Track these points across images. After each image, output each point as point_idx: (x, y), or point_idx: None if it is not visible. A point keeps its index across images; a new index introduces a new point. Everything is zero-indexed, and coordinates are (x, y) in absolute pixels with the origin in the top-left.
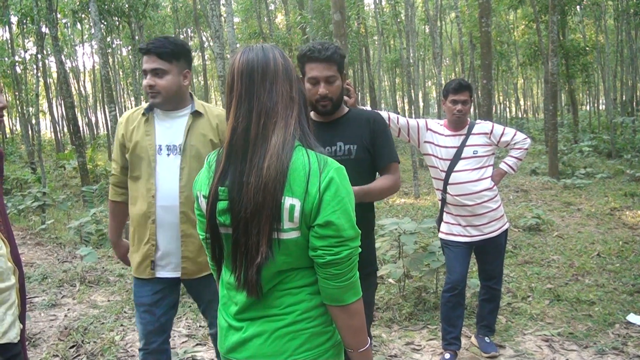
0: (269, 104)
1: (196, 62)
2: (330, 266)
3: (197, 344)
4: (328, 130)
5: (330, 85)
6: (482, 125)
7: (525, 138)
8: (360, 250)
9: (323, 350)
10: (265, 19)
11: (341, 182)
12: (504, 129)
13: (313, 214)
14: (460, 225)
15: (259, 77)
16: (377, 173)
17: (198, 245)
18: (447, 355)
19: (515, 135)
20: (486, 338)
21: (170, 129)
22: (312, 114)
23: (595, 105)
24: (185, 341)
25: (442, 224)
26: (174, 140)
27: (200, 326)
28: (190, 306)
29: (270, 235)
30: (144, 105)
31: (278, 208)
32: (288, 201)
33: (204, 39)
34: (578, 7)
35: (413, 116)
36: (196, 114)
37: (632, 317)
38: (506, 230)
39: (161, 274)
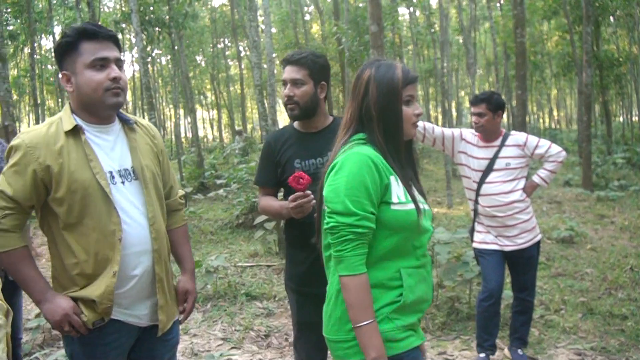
0: (346, 114)
1: (233, 71)
2: (326, 233)
3: (232, 347)
4: (316, 141)
5: (297, 89)
6: (516, 137)
7: (560, 151)
8: (357, 229)
9: (349, 337)
10: (302, 29)
11: (345, 164)
12: (539, 141)
13: None
14: (491, 234)
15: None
16: None
17: (170, 289)
18: (482, 355)
19: (550, 147)
20: (519, 350)
21: (113, 149)
22: (296, 123)
23: (629, 116)
24: (221, 344)
25: (475, 233)
26: (122, 162)
27: (235, 330)
28: (225, 310)
29: (319, 212)
30: (53, 119)
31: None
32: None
33: (240, 48)
34: (612, 18)
35: (447, 126)
36: (131, 127)
37: None
38: (538, 241)
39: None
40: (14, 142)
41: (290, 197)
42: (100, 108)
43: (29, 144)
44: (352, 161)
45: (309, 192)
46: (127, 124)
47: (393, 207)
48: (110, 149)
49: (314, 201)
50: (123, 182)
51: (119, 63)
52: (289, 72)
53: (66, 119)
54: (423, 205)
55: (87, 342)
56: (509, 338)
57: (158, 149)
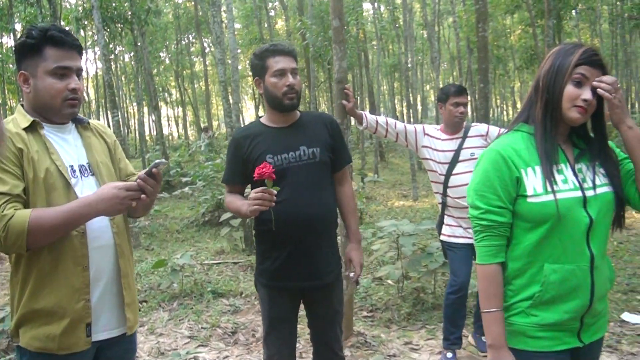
0: None
1: (197, 67)
2: None
3: (199, 345)
4: (288, 136)
5: (295, 78)
6: (477, 128)
7: None
8: (482, 222)
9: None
10: (266, 25)
11: (480, 160)
12: (500, 130)
13: None
14: (461, 227)
15: None
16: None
17: (134, 285)
18: (450, 355)
19: None
20: (483, 337)
21: (69, 146)
22: (265, 119)
23: None
24: (188, 342)
25: (444, 226)
26: (79, 159)
27: (202, 328)
28: (192, 308)
29: None
30: (7, 119)
31: None
32: None
33: (205, 45)
34: (574, 11)
35: (412, 120)
36: (84, 126)
37: (626, 316)
38: None
39: (100, 335)
40: None
41: (254, 190)
42: (55, 115)
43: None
44: (484, 157)
45: (274, 190)
46: (80, 124)
47: (529, 199)
48: (66, 146)
49: (273, 204)
50: (82, 178)
51: (79, 73)
52: (288, 62)
53: (21, 117)
54: (587, 193)
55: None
56: (472, 326)
57: (110, 142)
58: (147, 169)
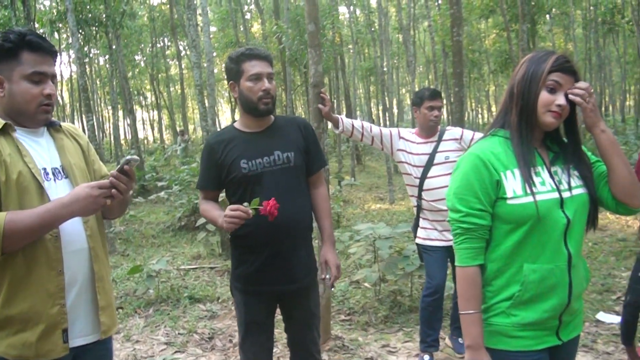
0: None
1: (173, 71)
2: None
3: (176, 351)
4: (262, 140)
5: (271, 83)
6: (452, 131)
7: None
8: (462, 224)
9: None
10: (242, 28)
11: (460, 164)
12: (474, 133)
13: None
14: (437, 230)
15: None
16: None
17: (110, 289)
18: (427, 357)
19: None
20: (460, 339)
21: (42, 148)
22: (239, 124)
23: None
24: (164, 349)
25: (419, 229)
26: (52, 161)
27: (179, 334)
28: (168, 314)
29: None
30: None
31: None
32: None
33: (180, 48)
34: (547, 16)
35: (387, 123)
36: (56, 128)
37: (601, 316)
38: None
39: (76, 342)
40: None
41: (230, 207)
42: (29, 120)
43: None
44: (464, 161)
45: (250, 210)
46: (52, 126)
47: (509, 201)
48: (39, 149)
49: (244, 221)
50: (55, 180)
51: (54, 80)
52: (264, 67)
53: None
54: (564, 194)
55: None
56: (449, 328)
57: (83, 144)
58: (119, 166)
